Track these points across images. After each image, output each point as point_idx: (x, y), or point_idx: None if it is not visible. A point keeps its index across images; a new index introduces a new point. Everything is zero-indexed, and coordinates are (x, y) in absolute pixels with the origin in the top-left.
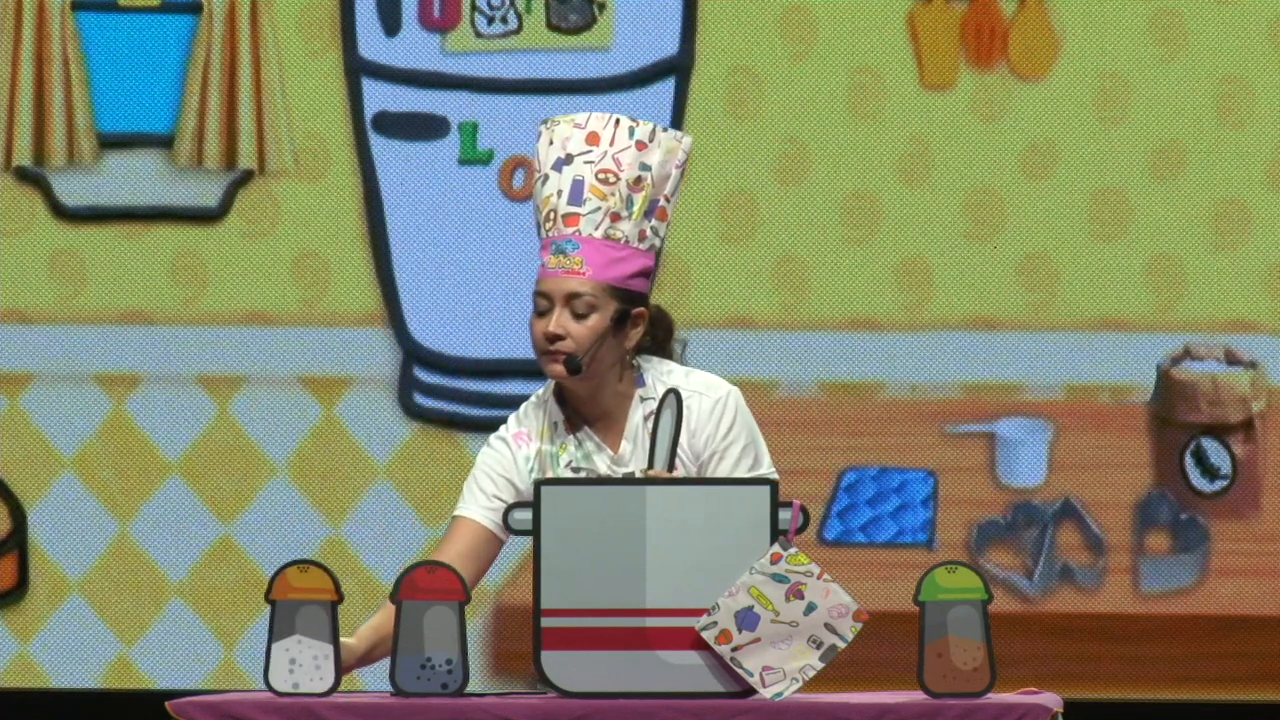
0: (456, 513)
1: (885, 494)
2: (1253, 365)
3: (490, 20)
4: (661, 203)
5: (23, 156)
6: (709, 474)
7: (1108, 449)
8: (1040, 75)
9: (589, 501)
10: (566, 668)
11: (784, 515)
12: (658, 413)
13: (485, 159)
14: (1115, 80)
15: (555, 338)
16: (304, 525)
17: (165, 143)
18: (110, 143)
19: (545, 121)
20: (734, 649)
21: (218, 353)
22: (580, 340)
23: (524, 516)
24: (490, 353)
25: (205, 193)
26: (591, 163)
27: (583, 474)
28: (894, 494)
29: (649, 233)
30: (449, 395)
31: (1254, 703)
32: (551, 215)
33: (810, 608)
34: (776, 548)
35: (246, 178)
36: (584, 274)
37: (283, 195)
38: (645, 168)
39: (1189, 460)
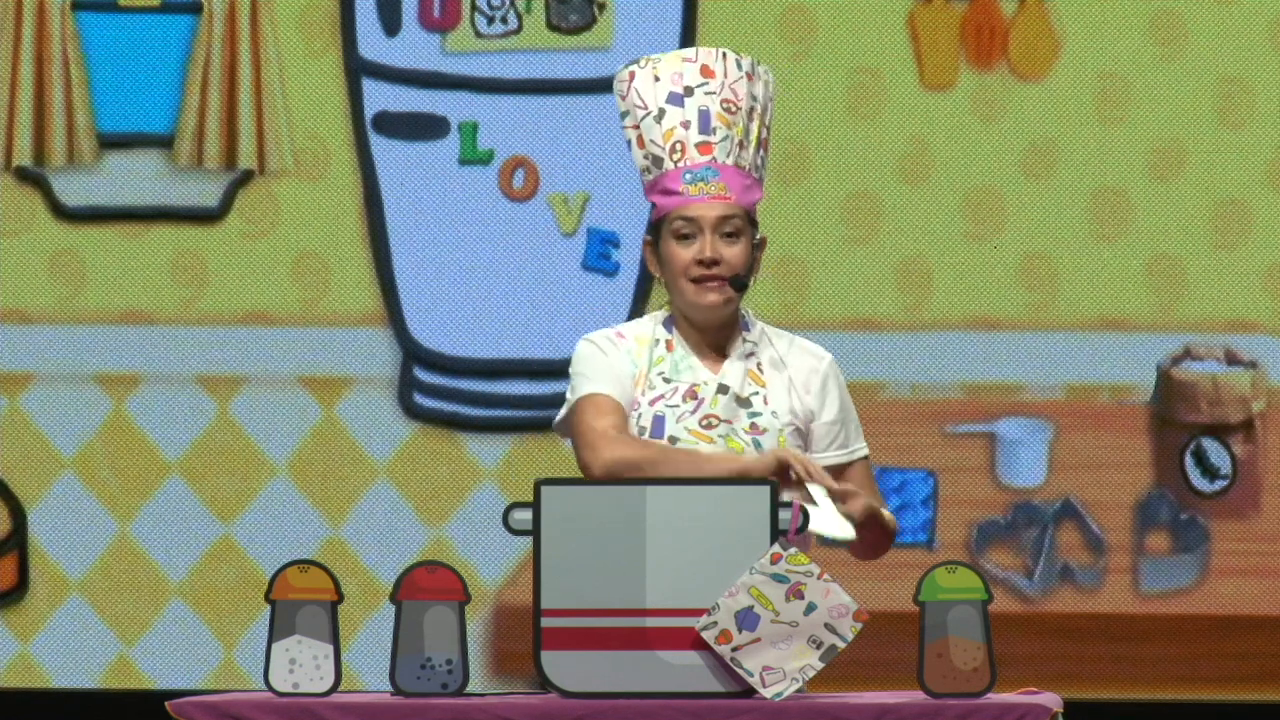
0: (588, 391)
1: (885, 494)
2: (1253, 365)
3: (490, 20)
4: (765, 134)
5: (23, 156)
6: (830, 436)
7: (1108, 449)
8: (1040, 75)
9: (589, 501)
10: (566, 668)
11: (784, 515)
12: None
13: (485, 159)
14: (1115, 80)
15: (713, 261)
16: (304, 525)
17: (165, 143)
18: (110, 143)
19: (636, 62)
20: (734, 649)
21: (218, 353)
22: (735, 262)
23: (524, 516)
24: (490, 353)
25: (205, 193)
26: (713, 93)
27: (672, 384)
28: (894, 494)
29: (760, 163)
30: (449, 395)
31: (1254, 703)
32: (679, 146)
33: (810, 608)
34: (776, 548)
35: (246, 178)
36: (729, 198)
37: (283, 195)
38: (754, 98)
39: (1189, 460)
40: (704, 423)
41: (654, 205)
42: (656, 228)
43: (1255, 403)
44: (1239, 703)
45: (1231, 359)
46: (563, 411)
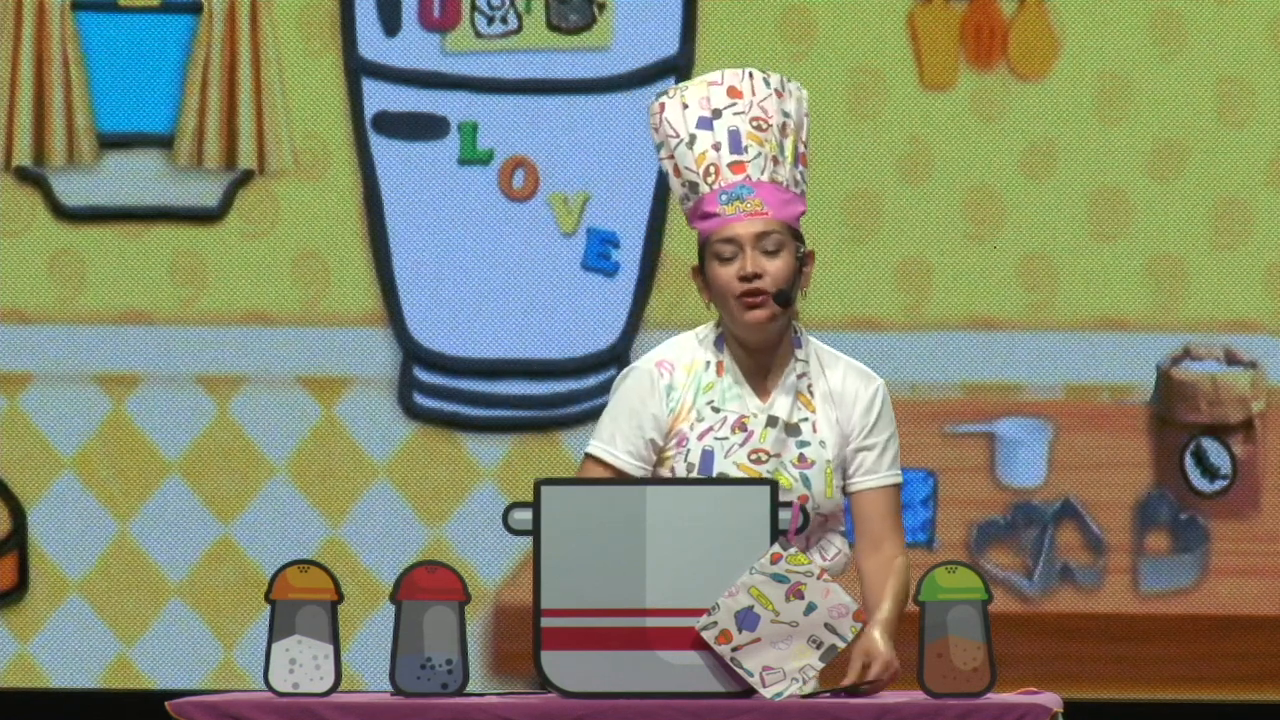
0: (593, 450)
1: None
2: (1253, 365)
3: (490, 20)
4: (802, 149)
5: (23, 156)
6: (860, 462)
7: (1108, 449)
8: (1040, 75)
9: (589, 501)
10: (566, 668)
11: (784, 515)
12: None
13: (485, 159)
14: (1115, 80)
15: (754, 275)
16: (304, 525)
17: (165, 143)
18: (110, 143)
19: (665, 94)
20: (734, 649)
21: (218, 353)
22: (778, 276)
23: (524, 516)
24: (490, 353)
25: (205, 193)
26: (741, 113)
27: (721, 414)
28: None
29: (800, 178)
30: (449, 395)
31: (1254, 703)
32: (712, 170)
33: (810, 608)
34: (776, 548)
35: (246, 178)
36: (767, 214)
37: (283, 195)
38: (786, 114)
39: (1189, 460)
40: (753, 457)
41: (698, 233)
42: (701, 254)
43: (1255, 403)
44: (1239, 703)
45: (1231, 359)
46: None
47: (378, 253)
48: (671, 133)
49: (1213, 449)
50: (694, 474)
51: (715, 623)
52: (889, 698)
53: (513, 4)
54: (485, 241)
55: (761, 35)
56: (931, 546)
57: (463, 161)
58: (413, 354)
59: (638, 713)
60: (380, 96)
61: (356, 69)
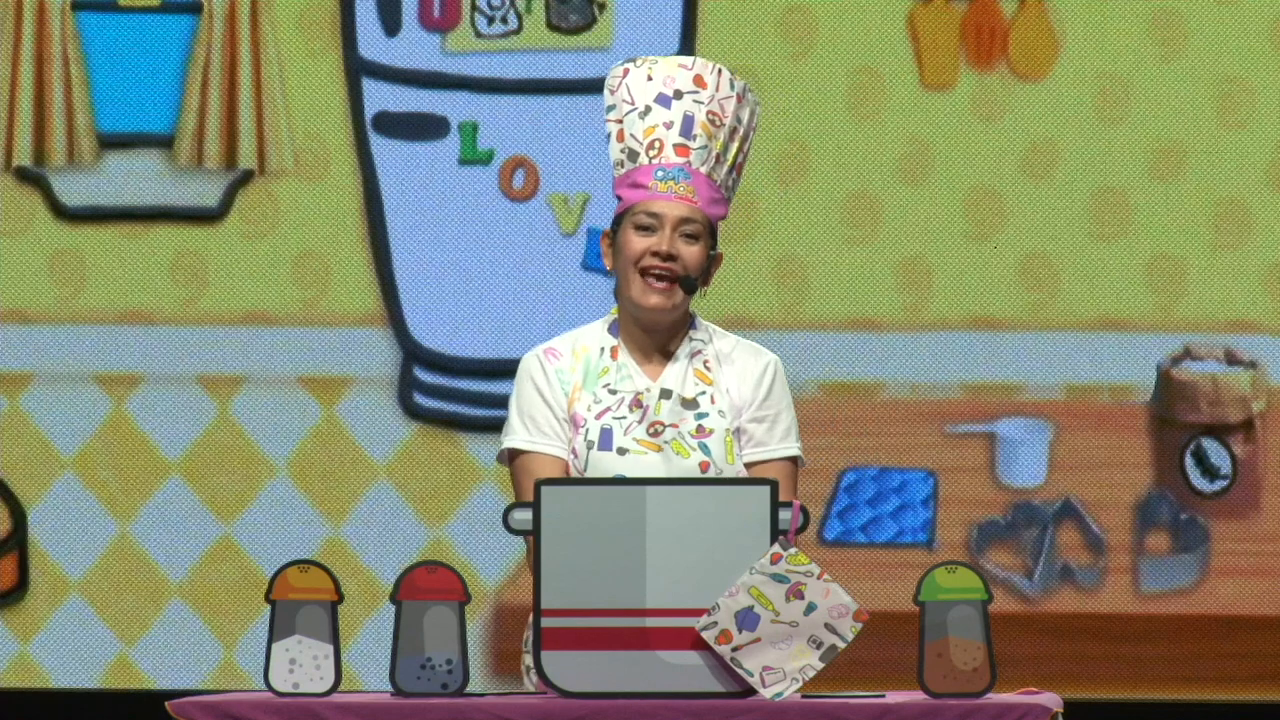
0: (516, 445)
1: (885, 494)
2: (1253, 365)
3: (490, 20)
4: (742, 158)
5: (23, 156)
6: (750, 434)
7: (1108, 449)
8: (1040, 75)
9: (589, 501)
10: (566, 668)
11: (784, 515)
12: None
13: (485, 159)
14: (1115, 80)
15: (670, 256)
16: (304, 525)
17: (165, 143)
18: (110, 143)
19: (632, 61)
20: (734, 649)
21: (218, 353)
22: (691, 263)
23: (524, 516)
24: (490, 353)
25: (205, 193)
26: (701, 103)
27: (618, 395)
28: (894, 494)
29: (731, 184)
30: (449, 395)
31: (1254, 703)
32: (658, 144)
33: (810, 608)
34: (776, 548)
35: (246, 178)
36: (696, 202)
37: (283, 195)
38: (739, 120)
39: (1189, 460)
40: (651, 430)
41: (620, 199)
42: (618, 221)
43: (1255, 403)
44: (1239, 703)
45: (1231, 359)
46: (503, 441)
47: (378, 253)
48: (628, 99)
49: (1213, 449)
50: (594, 450)
51: (715, 623)
52: (889, 698)
53: (513, 4)
54: (485, 241)
55: (761, 35)
56: (931, 546)
57: (463, 161)
58: (413, 354)
59: (638, 713)
60: (380, 96)
61: (357, 69)
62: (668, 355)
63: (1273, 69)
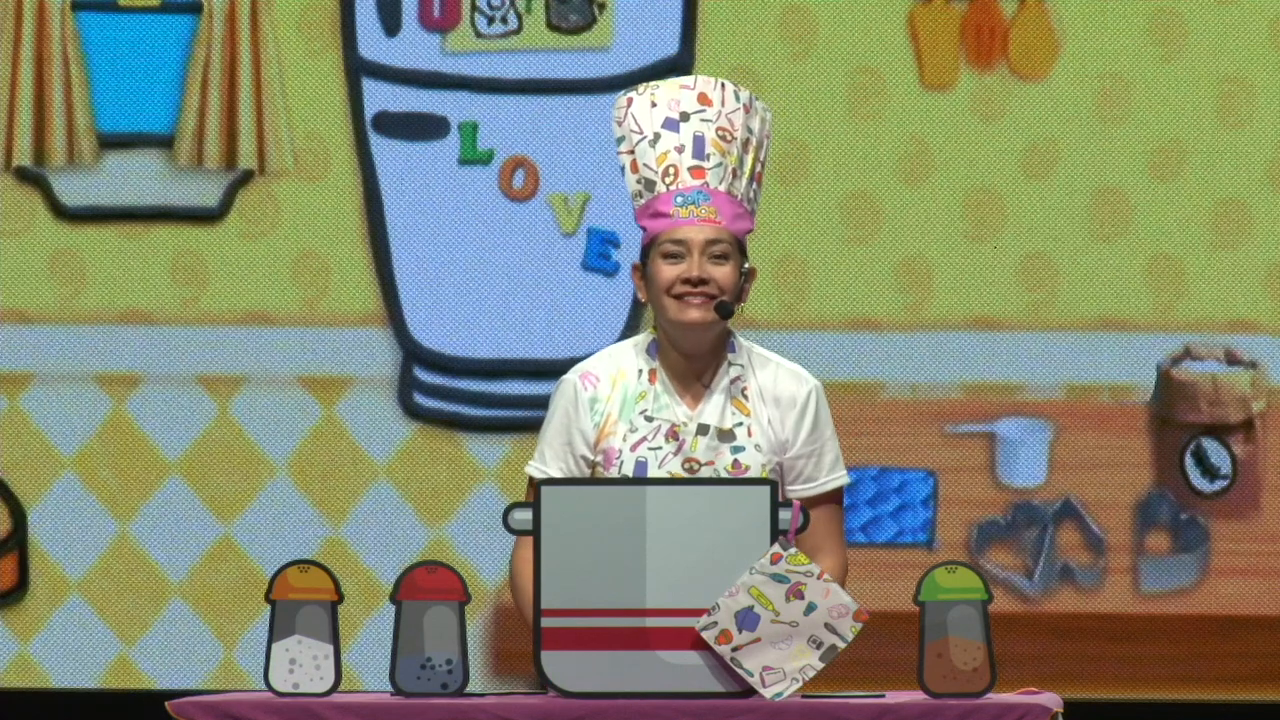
0: (530, 470)
1: (885, 494)
2: (1253, 365)
3: (490, 20)
4: (759, 168)
5: (23, 156)
6: (799, 470)
7: (1108, 449)
8: (1040, 75)
9: (589, 501)
10: (566, 668)
11: (784, 515)
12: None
13: (485, 159)
14: (1115, 80)
15: (701, 281)
16: (304, 525)
17: (165, 143)
18: (110, 143)
19: (634, 89)
20: (734, 649)
21: (218, 353)
22: (725, 283)
23: (524, 516)
24: (490, 353)
25: (205, 193)
26: (709, 121)
27: (655, 422)
28: (894, 494)
29: (753, 195)
30: (449, 395)
31: (1254, 703)
32: (672, 170)
33: (810, 608)
34: (776, 548)
35: (246, 178)
36: (719, 222)
37: (283, 195)
38: (750, 130)
39: (1189, 460)
40: (686, 466)
41: (644, 230)
42: (646, 252)
43: (1255, 403)
44: (1239, 703)
45: (1231, 359)
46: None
47: (378, 253)
48: (635, 129)
49: (1213, 449)
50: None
51: (715, 623)
52: (889, 698)
53: (513, 4)
54: (485, 241)
55: (761, 35)
56: (931, 546)
57: (463, 161)
58: (413, 354)
59: (638, 713)
60: (380, 96)
61: (356, 69)
62: (705, 381)
63: (1273, 69)
